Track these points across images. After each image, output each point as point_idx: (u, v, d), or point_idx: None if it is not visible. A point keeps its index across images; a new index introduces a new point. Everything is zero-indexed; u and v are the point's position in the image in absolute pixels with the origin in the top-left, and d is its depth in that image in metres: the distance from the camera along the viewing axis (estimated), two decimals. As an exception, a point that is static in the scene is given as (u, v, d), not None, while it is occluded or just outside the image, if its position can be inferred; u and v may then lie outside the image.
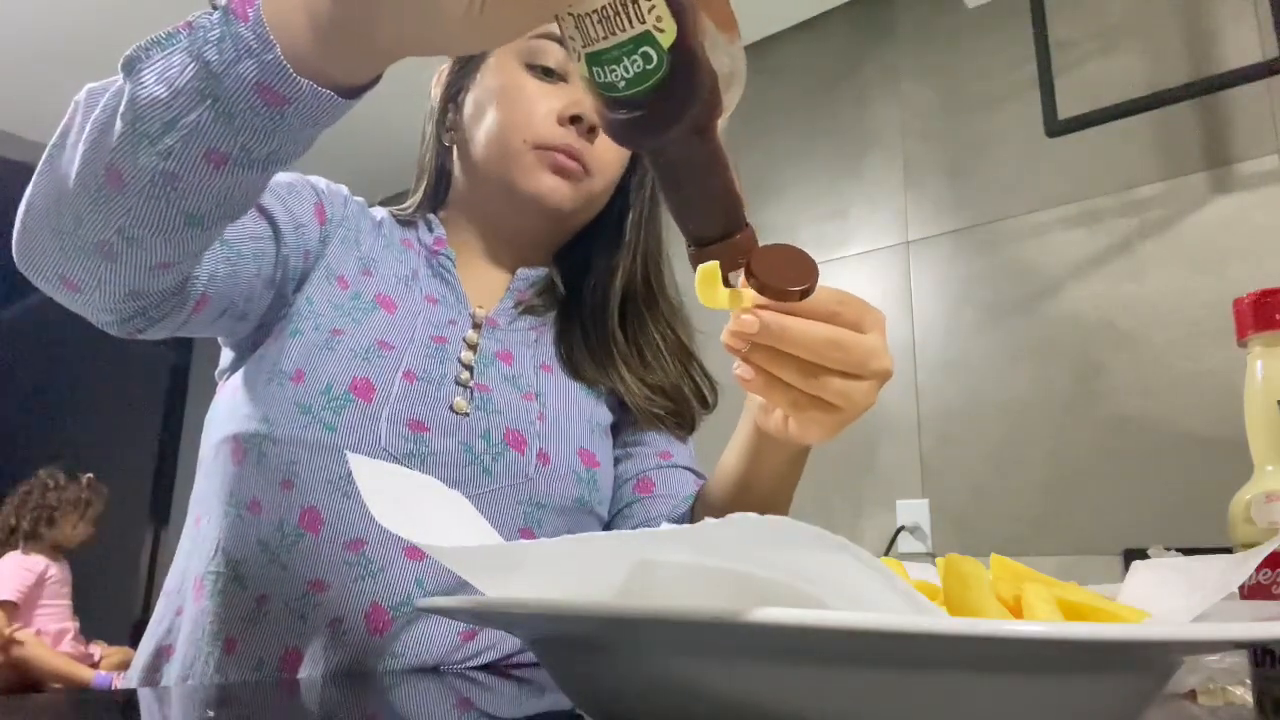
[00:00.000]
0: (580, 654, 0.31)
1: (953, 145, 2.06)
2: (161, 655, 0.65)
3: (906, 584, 0.25)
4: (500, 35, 0.40)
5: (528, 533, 0.67)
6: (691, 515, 0.75)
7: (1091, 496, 1.72)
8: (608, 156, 0.75)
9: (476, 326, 0.75)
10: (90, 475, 3.04)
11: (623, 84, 0.38)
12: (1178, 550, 0.54)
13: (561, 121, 0.72)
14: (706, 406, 0.82)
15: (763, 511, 0.66)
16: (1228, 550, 0.42)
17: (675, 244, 0.84)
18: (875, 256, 2.13)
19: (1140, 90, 1.73)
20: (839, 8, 2.33)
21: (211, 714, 0.43)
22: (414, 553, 0.62)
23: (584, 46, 0.39)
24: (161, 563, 3.72)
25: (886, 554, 1.91)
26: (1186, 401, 1.64)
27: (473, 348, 0.73)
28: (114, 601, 3.17)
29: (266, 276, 0.65)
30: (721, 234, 0.43)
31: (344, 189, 0.78)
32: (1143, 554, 0.46)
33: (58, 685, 2.60)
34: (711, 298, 0.45)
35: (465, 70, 0.78)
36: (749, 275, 0.43)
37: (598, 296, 0.80)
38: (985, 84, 2.04)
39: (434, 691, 0.51)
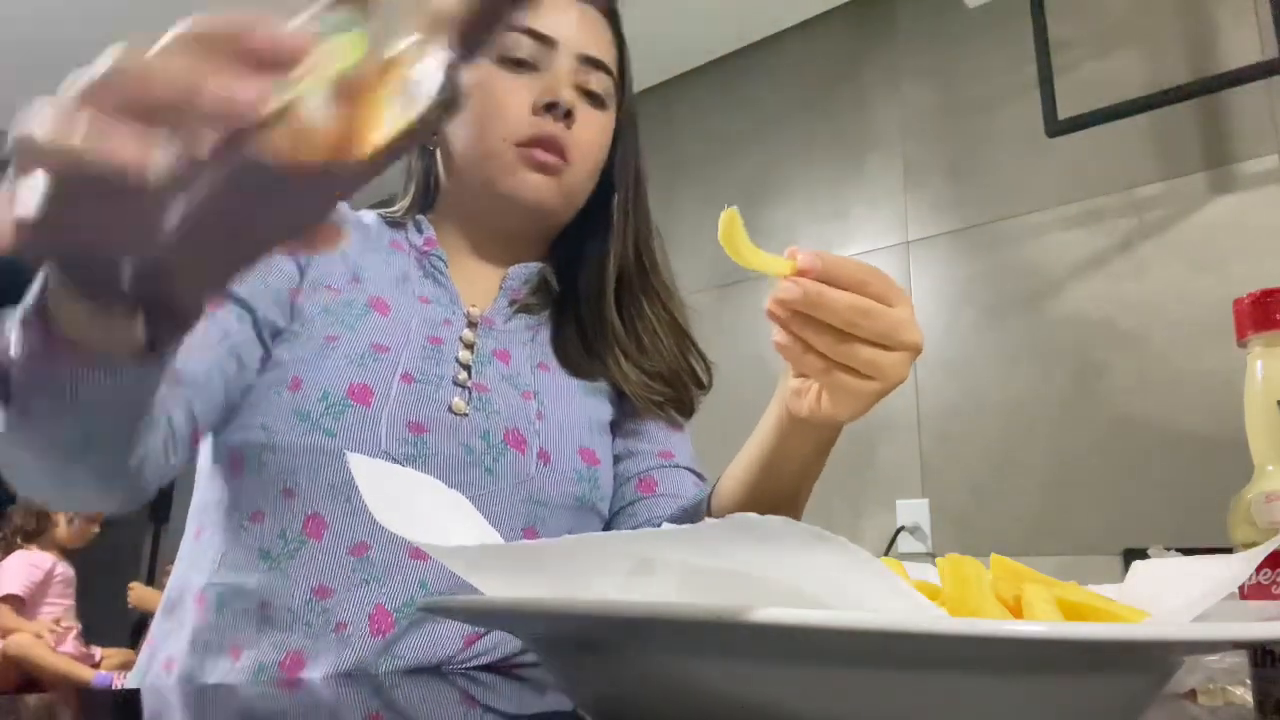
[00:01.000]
0: (580, 654, 0.31)
1: (953, 145, 2.06)
2: (158, 661, 0.64)
3: (906, 584, 0.25)
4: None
5: (530, 532, 0.67)
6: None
7: (1091, 496, 1.72)
8: (587, 138, 0.74)
9: (472, 325, 0.74)
10: None
11: None
12: (1178, 550, 0.54)
13: (536, 111, 0.71)
14: (703, 387, 0.81)
15: (785, 501, 0.64)
16: (1228, 550, 0.42)
17: (667, 223, 0.84)
18: (875, 257, 2.13)
19: (1140, 90, 1.73)
20: (839, 8, 2.33)
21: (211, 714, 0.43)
22: (418, 554, 0.62)
23: None
24: (161, 563, 3.71)
25: (886, 554, 1.91)
26: (1186, 401, 1.64)
27: (469, 347, 0.72)
28: (114, 601, 3.18)
29: (250, 349, 0.65)
30: None
31: None
32: (1143, 554, 0.46)
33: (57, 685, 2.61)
34: (741, 255, 0.46)
35: None
36: None
37: (592, 286, 0.79)
38: (985, 84, 2.04)
39: (435, 691, 0.51)
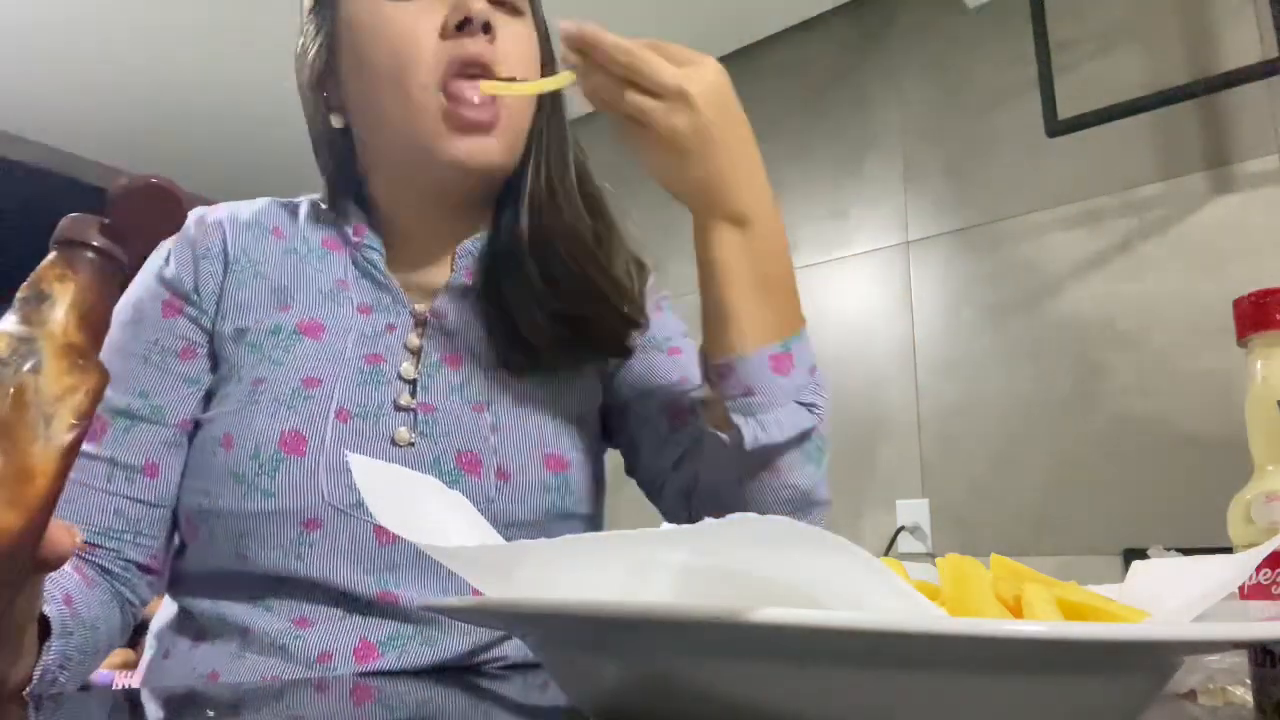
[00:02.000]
0: (580, 654, 0.31)
1: (953, 145, 2.06)
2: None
3: (906, 584, 0.25)
4: None
5: None
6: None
7: (1091, 496, 1.72)
8: (517, 52, 0.65)
9: (421, 324, 0.68)
10: None
11: None
12: (1178, 550, 0.54)
13: (447, 35, 0.62)
14: (631, 306, 0.69)
15: (714, 314, 0.61)
16: (1228, 550, 0.42)
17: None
18: (875, 256, 2.13)
19: (1140, 90, 1.73)
20: (839, 8, 2.33)
21: (212, 714, 0.43)
22: (388, 596, 0.60)
23: None
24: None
25: (886, 554, 1.91)
26: (1186, 401, 1.64)
27: (415, 355, 0.67)
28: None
29: (155, 443, 0.62)
30: None
31: (220, 216, 0.69)
32: (1143, 554, 0.46)
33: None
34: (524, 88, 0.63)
35: (323, 40, 0.67)
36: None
37: (512, 235, 0.69)
38: (985, 84, 2.04)
39: (435, 690, 0.51)
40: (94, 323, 0.36)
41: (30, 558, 0.33)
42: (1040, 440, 1.81)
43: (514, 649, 0.65)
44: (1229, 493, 0.45)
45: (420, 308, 0.69)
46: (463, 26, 0.62)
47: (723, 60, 0.60)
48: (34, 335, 0.34)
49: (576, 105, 0.67)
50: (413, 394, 0.65)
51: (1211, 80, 1.64)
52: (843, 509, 2.04)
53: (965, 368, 1.95)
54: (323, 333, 0.66)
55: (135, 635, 0.74)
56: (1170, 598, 0.34)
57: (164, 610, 0.67)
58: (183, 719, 0.45)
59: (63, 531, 0.35)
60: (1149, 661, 0.29)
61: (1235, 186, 1.67)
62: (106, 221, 0.37)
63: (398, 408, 0.64)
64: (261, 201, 0.73)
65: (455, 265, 0.71)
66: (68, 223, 0.37)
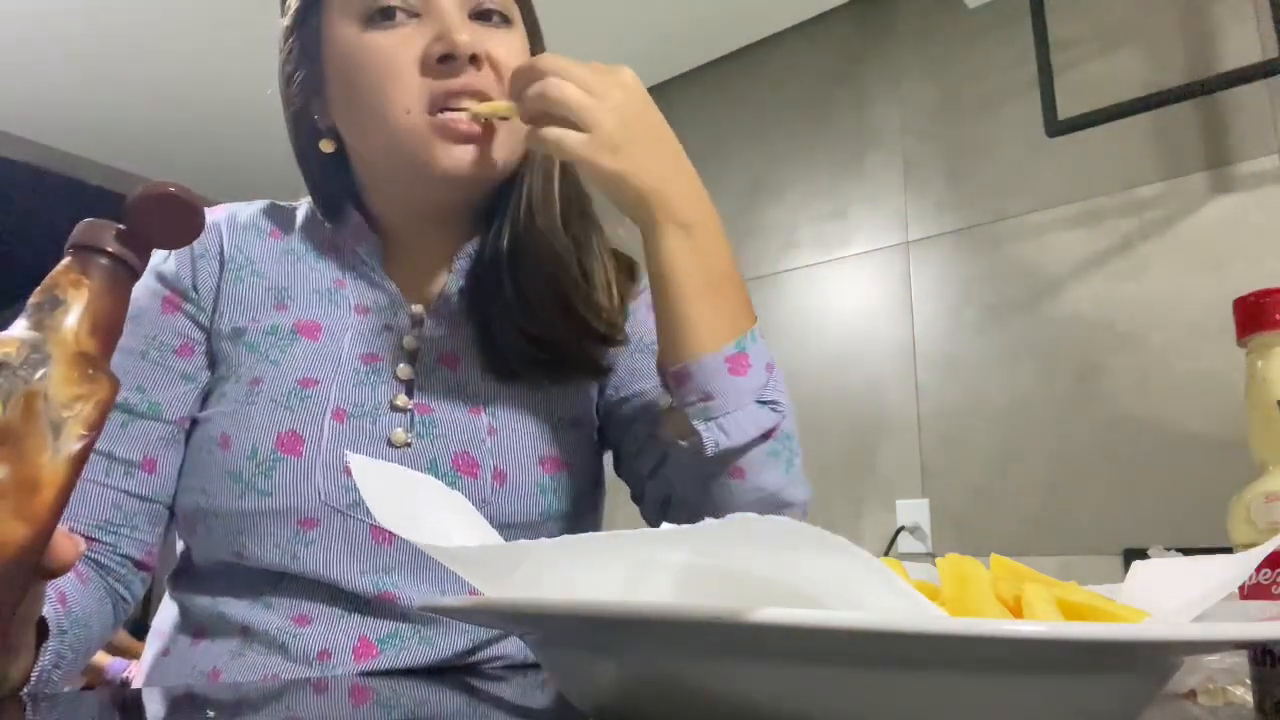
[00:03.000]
0: (580, 654, 0.31)
1: (953, 145, 2.06)
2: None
3: (906, 584, 0.25)
4: None
5: None
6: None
7: (1091, 496, 1.72)
8: (508, 64, 0.63)
9: (418, 324, 0.68)
10: None
11: None
12: (1178, 550, 0.54)
13: (429, 68, 0.60)
14: (604, 339, 0.68)
15: (664, 314, 0.61)
16: (1228, 550, 0.42)
17: None
18: (875, 256, 2.13)
19: (1140, 90, 1.73)
20: (839, 8, 2.33)
21: (211, 714, 0.43)
22: (387, 596, 0.61)
23: None
24: (161, 560, 3.71)
25: (886, 554, 1.91)
26: (1186, 401, 1.64)
27: (412, 355, 0.67)
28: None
29: (154, 440, 0.63)
30: None
31: (218, 217, 0.70)
32: (1143, 554, 0.46)
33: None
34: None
35: (308, 65, 0.66)
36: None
37: (494, 248, 0.68)
38: (985, 84, 2.03)
39: (434, 690, 0.51)
40: (106, 331, 0.36)
41: (35, 567, 0.33)
42: (1040, 440, 1.81)
43: (513, 648, 0.65)
44: (1229, 493, 0.45)
45: (418, 309, 0.69)
46: (445, 59, 0.60)
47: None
48: (45, 342, 0.33)
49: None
50: (409, 395, 0.65)
51: (1211, 80, 1.64)
52: (843, 509, 2.04)
53: (965, 368, 1.94)
54: (320, 333, 0.66)
55: (135, 635, 0.74)
56: (1170, 598, 0.34)
57: (164, 608, 0.67)
58: (183, 719, 0.45)
59: (67, 541, 0.35)
60: (1149, 661, 0.29)
61: (1235, 187, 1.67)
62: (123, 228, 0.37)
63: (394, 408, 0.64)
64: (260, 204, 0.74)
65: (454, 268, 0.71)
66: (84, 227, 0.36)
